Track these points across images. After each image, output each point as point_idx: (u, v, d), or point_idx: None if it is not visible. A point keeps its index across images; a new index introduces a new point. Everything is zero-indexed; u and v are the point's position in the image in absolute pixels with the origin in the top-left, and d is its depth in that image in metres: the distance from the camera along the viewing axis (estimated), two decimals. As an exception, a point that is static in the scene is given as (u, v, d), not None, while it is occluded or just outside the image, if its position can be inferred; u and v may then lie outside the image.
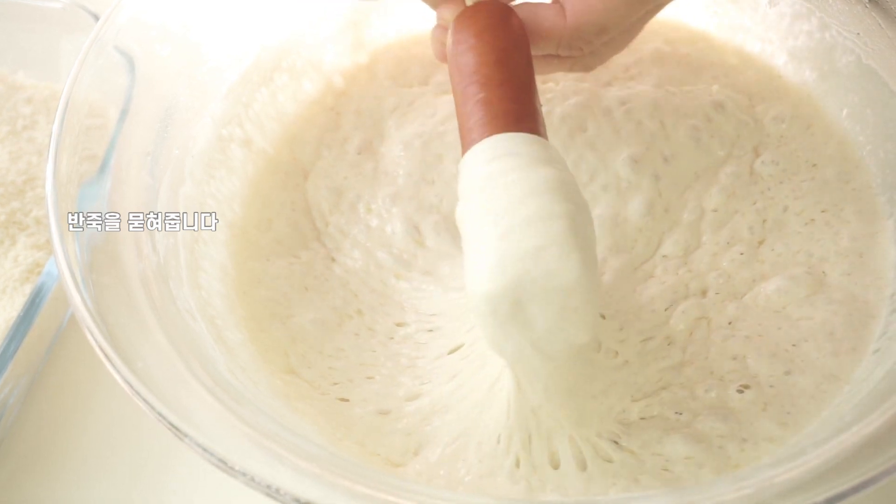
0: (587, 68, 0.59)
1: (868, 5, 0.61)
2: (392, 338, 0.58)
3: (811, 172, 0.62)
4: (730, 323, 0.57)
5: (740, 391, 0.54)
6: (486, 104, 0.51)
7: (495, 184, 0.48)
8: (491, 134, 0.50)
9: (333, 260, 0.61)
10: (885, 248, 0.59)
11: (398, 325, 0.58)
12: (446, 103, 0.65)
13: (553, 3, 0.54)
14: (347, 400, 0.55)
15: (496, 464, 0.52)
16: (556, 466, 0.52)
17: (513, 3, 0.56)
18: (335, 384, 0.56)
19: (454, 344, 0.56)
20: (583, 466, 0.51)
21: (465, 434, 0.53)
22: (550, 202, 0.47)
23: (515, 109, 0.51)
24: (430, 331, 0.58)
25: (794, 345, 0.56)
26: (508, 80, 0.52)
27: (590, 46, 0.54)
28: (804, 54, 0.65)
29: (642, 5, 0.54)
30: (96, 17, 0.71)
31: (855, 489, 0.43)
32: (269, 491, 0.44)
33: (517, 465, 0.52)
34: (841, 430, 0.47)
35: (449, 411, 0.54)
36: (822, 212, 0.61)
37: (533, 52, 0.55)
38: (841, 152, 0.63)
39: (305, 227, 0.63)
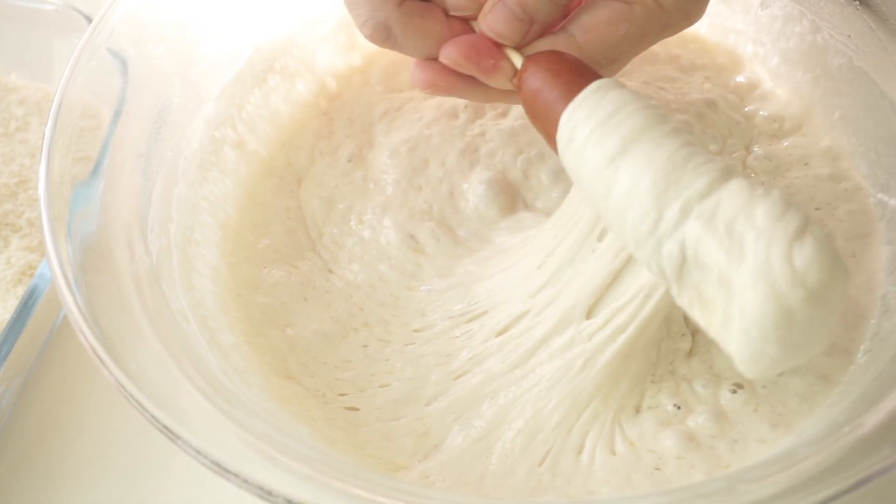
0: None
1: (859, 7, 0.61)
2: (413, 343, 0.57)
3: (804, 170, 0.63)
4: None
5: (733, 391, 0.54)
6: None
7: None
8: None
9: (331, 272, 0.60)
10: (877, 250, 0.59)
11: (417, 331, 0.57)
12: (432, 107, 0.65)
13: (560, 30, 0.53)
14: (357, 409, 0.55)
15: (523, 458, 0.52)
16: (579, 452, 0.52)
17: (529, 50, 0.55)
18: (342, 395, 0.56)
19: (510, 318, 0.55)
20: (592, 457, 0.52)
21: (504, 420, 0.53)
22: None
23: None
24: (472, 320, 0.56)
25: None
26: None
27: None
28: (796, 56, 0.65)
29: (655, 38, 0.54)
30: (89, 19, 0.71)
31: (845, 491, 0.44)
32: (262, 493, 0.44)
33: (541, 462, 0.52)
34: (832, 432, 0.47)
35: (502, 390, 0.54)
36: (816, 209, 0.61)
37: None
38: (833, 152, 0.63)
39: (301, 236, 0.62)
